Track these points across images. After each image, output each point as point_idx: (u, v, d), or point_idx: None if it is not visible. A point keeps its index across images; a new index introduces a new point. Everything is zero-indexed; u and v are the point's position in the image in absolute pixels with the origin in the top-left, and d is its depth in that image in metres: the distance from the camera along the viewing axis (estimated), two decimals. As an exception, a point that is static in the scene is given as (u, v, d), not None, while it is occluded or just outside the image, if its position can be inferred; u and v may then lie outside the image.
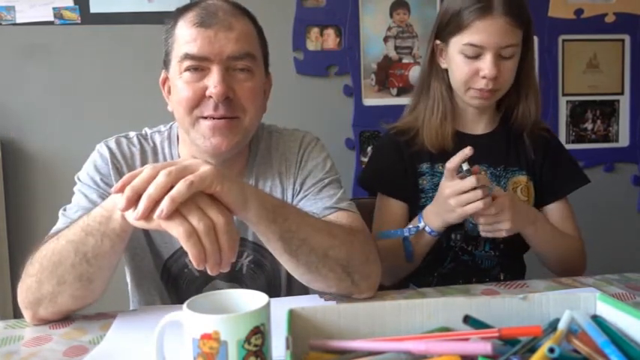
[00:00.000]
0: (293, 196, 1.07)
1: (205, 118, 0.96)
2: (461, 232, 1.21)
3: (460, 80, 1.18)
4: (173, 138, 1.09)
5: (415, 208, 1.23)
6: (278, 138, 1.13)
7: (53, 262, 0.84)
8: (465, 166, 1.05)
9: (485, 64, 1.13)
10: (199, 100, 0.96)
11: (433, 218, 1.12)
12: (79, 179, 1.05)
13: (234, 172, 1.06)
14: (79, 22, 1.92)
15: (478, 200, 1.04)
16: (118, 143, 1.07)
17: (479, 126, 1.27)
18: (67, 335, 0.85)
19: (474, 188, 1.04)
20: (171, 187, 0.71)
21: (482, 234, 1.12)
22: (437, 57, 1.24)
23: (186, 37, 0.96)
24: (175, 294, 1.08)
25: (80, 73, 1.93)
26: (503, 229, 1.09)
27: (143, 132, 1.11)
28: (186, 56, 0.95)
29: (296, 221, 0.86)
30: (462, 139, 1.23)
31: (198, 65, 0.95)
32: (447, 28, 1.19)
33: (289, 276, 1.09)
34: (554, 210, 1.28)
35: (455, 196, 1.05)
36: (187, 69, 0.96)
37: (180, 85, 0.97)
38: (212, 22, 0.95)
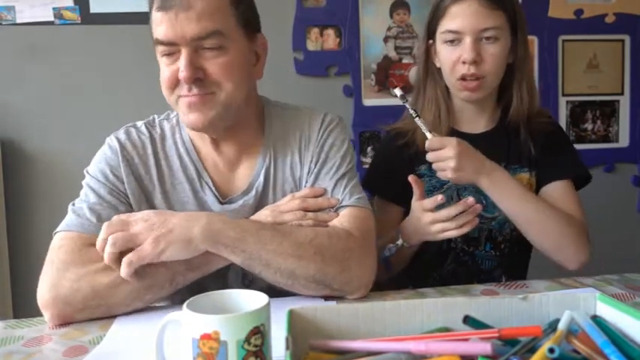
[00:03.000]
0: (308, 174, 1.06)
1: (183, 96, 0.98)
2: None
3: (447, 71, 1.19)
4: (181, 122, 1.09)
5: None
6: (295, 115, 1.12)
7: None
8: (398, 92, 1.10)
9: (465, 49, 1.14)
10: (175, 80, 0.98)
11: (411, 236, 1.12)
12: (87, 172, 1.05)
13: (251, 151, 1.07)
14: (79, 22, 1.92)
15: (456, 229, 1.05)
16: (128, 134, 1.08)
17: (478, 125, 1.27)
18: (67, 335, 0.85)
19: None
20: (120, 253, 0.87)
21: (437, 174, 1.12)
22: (431, 57, 1.24)
23: (155, 22, 0.98)
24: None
25: (80, 73, 1.93)
26: (448, 167, 1.07)
27: (151, 119, 1.13)
28: (157, 42, 0.97)
29: (256, 250, 0.91)
30: (462, 139, 1.22)
31: (170, 50, 0.97)
32: (431, 23, 1.21)
33: None
34: (552, 190, 1.21)
35: (435, 224, 1.06)
36: (162, 53, 0.98)
37: (161, 68, 1.00)
38: (171, 3, 0.94)
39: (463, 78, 1.16)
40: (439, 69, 1.23)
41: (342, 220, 1.00)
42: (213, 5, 0.95)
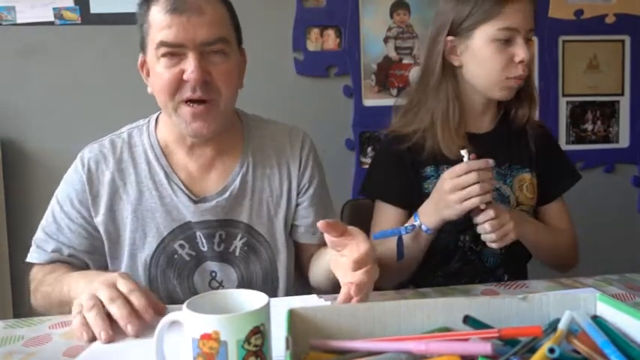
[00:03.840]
0: (298, 194, 1.14)
1: (186, 103, 0.99)
2: (470, 233, 1.19)
3: (494, 70, 1.15)
4: (151, 126, 1.12)
5: None
6: (274, 128, 1.17)
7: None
8: (464, 152, 1.05)
9: (521, 49, 1.13)
10: (178, 83, 0.98)
11: (430, 215, 1.11)
12: (56, 196, 1.11)
13: (227, 157, 1.11)
14: (80, 22, 1.92)
15: (477, 196, 1.04)
16: (91, 151, 1.10)
17: (482, 124, 1.26)
18: (67, 335, 0.85)
19: (475, 183, 1.04)
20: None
21: (491, 244, 1.09)
22: (448, 55, 1.19)
23: (160, 24, 0.98)
24: (164, 284, 1.08)
25: (80, 73, 1.93)
26: (509, 231, 1.08)
27: (118, 131, 1.14)
28: (162, 44, 0.98)
29: None
30: (469, 139, 1.21)
31: (174, 51, 0.98)
32: (467, 20, 1.16)
33: (288, 271, 1.13)
34: (552, 208, 1.29)
35: (455, 191, 1.05)
36: (164, 55, 0.99)
37: (159, 71, 1.00)
38: (184, 7, 0.96)
39: (511, 77, 1.15)
40: (458, 67, 1.20)
41: None
42: (220, 14, 1.01)
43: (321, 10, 2.04)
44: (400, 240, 1.12)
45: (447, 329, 0.65)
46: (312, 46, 2.05)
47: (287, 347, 0.57)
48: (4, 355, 0.79)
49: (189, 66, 0.96)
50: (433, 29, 1.22)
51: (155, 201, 1.07)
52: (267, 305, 0.62)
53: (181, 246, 1.07)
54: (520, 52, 1.13)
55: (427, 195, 1.20)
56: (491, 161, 1.06)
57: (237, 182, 1.09)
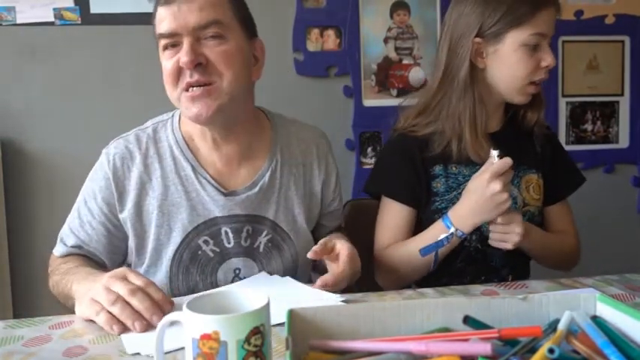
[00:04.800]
0: (322, 200, 1.20)
1: (186, 90, 1.00)
2: (477, 233, 1.19)
3: (521, 75, 1.16)
4: (175, 121, 1.13)
5: (426, 213, 1.22)
6: (298, 128, 1.20)
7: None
8: (495, 153, 1.07)
9: (548, 54, 1.15)
10: (178, 72, 1.00)
11: (467, 219, 1.11)
12: (82, 193, 1.11)
13: (254, 153, 1.12)
14: (80, 22, 1.92)
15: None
16: (117, 147, 1.11)
17: (491, 125, 1.25)
18: (67, 335, 0.85)
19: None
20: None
21: (492, 242, 1.13)
22: (473, 58, 1.18)
23: (158, 18, 1.01)
24: (186, 280, 1.08)
25: (80, 73, 1.93)
26: (512, 240, 1.10)
27: (143, 126, 1.15)
28: (160, 36, 1.01)
29: None
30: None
31: (172, 42, 1.00)
32: (498, 24, 1.15)
33: (306, 269, 1.17)
34: (556, 209, 1.30)
35: (504, 191, 1.06)
36: (165, 47, 1.01)
37: (163, 63, 1.03)
38: None
39: (533, 82, 1.17)
40: (481, 70, 1.19)
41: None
42: None
43: (321, 10, 2.04)
44: (437, 251, 1.13)
45: (446, 329, 0.65)
46: (312, 46, 2.05)
47: (287, 347, 0.57)
48: (4, 355, 0.79)
49: (182, 51, 0.98)
50: (456, 31, 1.19)
51: (180, 196, 1.07)
52: (267, 305, 0.62)
53: (205, 242, 1.07)
54: (547, 57, 1.15)
55: (436, 194, 1.21)
56: (510, 160, 1.07)
57: (266, 178, 1.11)
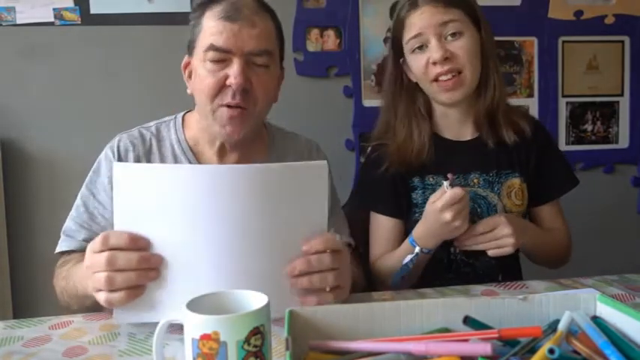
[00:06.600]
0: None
1: (225, 106, 1.04)
2: (454, 247, 1.19)
3: (422, 79, 1.19)
4: (178, 123, 1.16)
5: (408, 223, 1.23)
6: (293, 140, 1.23)
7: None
8: (446, 183, 1.05)
9: (431, 49, 1.16)
10: (220, 87, 1.03)
11: (428, 239, 1.11)
12: (87, 188, 1.12)
13: (252, 161, 1.12)
14: (80, 22, 1.92)
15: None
16: (120, 139, 1.14)
17: (466, 131, 1.26)
18: (66, 335, 0.85)
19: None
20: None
21: (490, 253, 1.11)
22: (405, 75, 1.24)
23: (212, 29, 1.03)
24: None
25: (80, 73, 1.93)
26: (508, 244, 1.09)
27: (147, 125, 1.18)
28: (212, 47, 1.03)
29: None
30: (451, 147, 1.23)
31: (221, 57, 1.03)
32: (396, 40, 1.22)
33: None
34: (546, 210, 1.29)
35: (457, 217, 1.04)
36: (211, 59, 1.03)
37: (203, 74, 1.05)
38: (237, 17, 1.03)
39: (436, 79, 1.17)
40: (416, 83, 1.23)
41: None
42: (269, 29, 1.07)
43: (321, 10, 2.04)
44: (404, 272, 1.13)
45: (446, 330, 0.65)
46: (312, 46, 2.05)
47: (287, 348, 0.57)
48: (4, 355, 0.79)
49: (234, 71, 1.01)
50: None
51: None
52: (267, 305, 0.62)
53: None
54: (431, 53, 1.15)
55: (416, 205, 1.22)
56: (460, 191, 1.05)
57: None
